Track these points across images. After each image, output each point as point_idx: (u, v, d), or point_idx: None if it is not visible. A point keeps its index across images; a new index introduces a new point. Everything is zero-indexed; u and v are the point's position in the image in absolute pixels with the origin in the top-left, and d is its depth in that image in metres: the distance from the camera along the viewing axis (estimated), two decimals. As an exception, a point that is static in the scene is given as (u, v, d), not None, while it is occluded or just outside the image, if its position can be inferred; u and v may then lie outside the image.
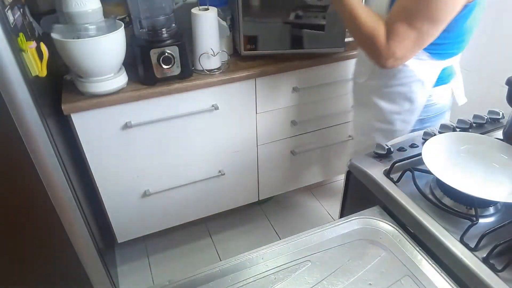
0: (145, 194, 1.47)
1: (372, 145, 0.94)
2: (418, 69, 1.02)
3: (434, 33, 0.88)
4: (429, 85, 1.05)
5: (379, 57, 0.91)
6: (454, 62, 1.06)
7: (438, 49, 0.99)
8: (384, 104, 1.12)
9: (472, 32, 1.01)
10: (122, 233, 1.54)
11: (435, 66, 1.03)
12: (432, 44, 0.92)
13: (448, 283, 0.64)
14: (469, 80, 1.28)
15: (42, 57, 1.07)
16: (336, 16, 1.35)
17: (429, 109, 1.10)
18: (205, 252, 1.71)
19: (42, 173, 1.01)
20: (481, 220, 0.70)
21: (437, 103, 1.10)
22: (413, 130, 1.13)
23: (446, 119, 1.17)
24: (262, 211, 1.91)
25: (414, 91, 1.06)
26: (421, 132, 0.96)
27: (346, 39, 1.43)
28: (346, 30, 1.38)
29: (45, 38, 1.14)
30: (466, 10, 0.90)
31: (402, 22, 0.86)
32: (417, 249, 0.70)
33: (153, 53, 1.23)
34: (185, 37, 1.30)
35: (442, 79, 1.06)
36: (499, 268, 0.61)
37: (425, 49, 0.96)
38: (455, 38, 0.98)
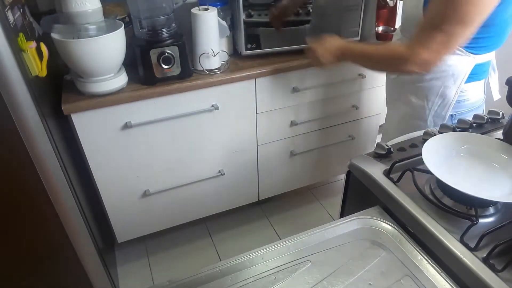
0: (145, 194, 1.47)
1: None
2: (452, 63, 1.04)
3: (464, 34, 0.87)
4: (461, 81, 1.06)
5: (405, 63, 0.92)
6: (488, 58, 1.07)
7: (472, 43, 1.00)
8: (416, 100, 1.14)
9: (508, 28, 1.01)
10: (122, 233, 1.54)
11: (469, 62, 1.04)
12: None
13: (448, 283, 0.64)
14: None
15: (42, 57, 1.07)
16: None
17: (461, 105, 1.11)
18: (205, 252, 1.71)
19: (42, 173, 1.01)
20: (481, 220, 0.70)
21: (469, 99, 1.11)
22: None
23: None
24: (262, 211, 1.91)
25: (446, 86, 1.07)
26: (421, 132, 0.96)
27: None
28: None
29: (45, 38, 1.14)
30: (502, 6, 0.91)
31: (428, 28, 0.88)
32: (417, 249, 0.70)
33: (153, 53, 1.23)
34: (185, 37, 1.30)
35: (476, 75, 1.07)
36: (499, 268, 0.61)
37: None
38: (489, 33, 0.99)
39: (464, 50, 1.02)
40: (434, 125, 1.13)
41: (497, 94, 1.17)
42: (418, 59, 0.90)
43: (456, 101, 1.09)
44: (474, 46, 1.01)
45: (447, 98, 1.09)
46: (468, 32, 0.87)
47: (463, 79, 1.05)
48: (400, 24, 1.20)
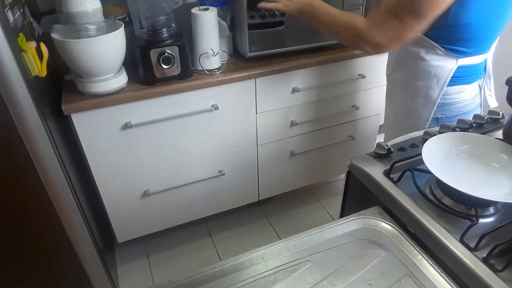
0: (145, 194, 1.47)
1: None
2: (435, 64, 1.05)
3: (418, 26, 0.90)
4: (443, 82, 1.06)
5: (360, 40, 0.96)
6: (473, 62, 1.06)
7: (453, 45, 1.01)
8: (403, 98, 1.15)
9: (490, 32, 1.02)
10: (122, 233, 1.54)
11: (451, 63, 1.04)
12: (445, 39, 0.98)
13: (448, 283, 0.64)
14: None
15: (42, 57, 1.07)
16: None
17: (448, 108, 1.11)
18: (205, 252, 1.71)
19: (42, 173, 1.01)
20: (481, 220, 0.70)
21: (457, 102, 1.10)
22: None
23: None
24: (262, 211, 1.91)
25: (429, 87, 1.08)
26: (421, 132, 0.96)
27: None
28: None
29: (45, 38, 1.14)
30: (473, 5, 0.93)
31: (387, 12, 0.90)
32: (417, 249, 0.70)
33: (153, 53, 1.23)
34: (185, 37, 1.30)
35: (461, 78, 1.07)
36: (499, 268, 0.61)
37: (441, 44, 1.01)
38: (466, 33, 0.99)
39: (445, 51, 1.03)
40: (417, 125, 1.14)
41: (494, 102, 1.17)
42: (372, 40, 0.93)
43: (442, 103, 1.09)
44: (455, 48, 1.02)
45: (430, 99, 1.09)
46: (422, 24, 0.89)
47: (446, 80, 1.06)
48: None
